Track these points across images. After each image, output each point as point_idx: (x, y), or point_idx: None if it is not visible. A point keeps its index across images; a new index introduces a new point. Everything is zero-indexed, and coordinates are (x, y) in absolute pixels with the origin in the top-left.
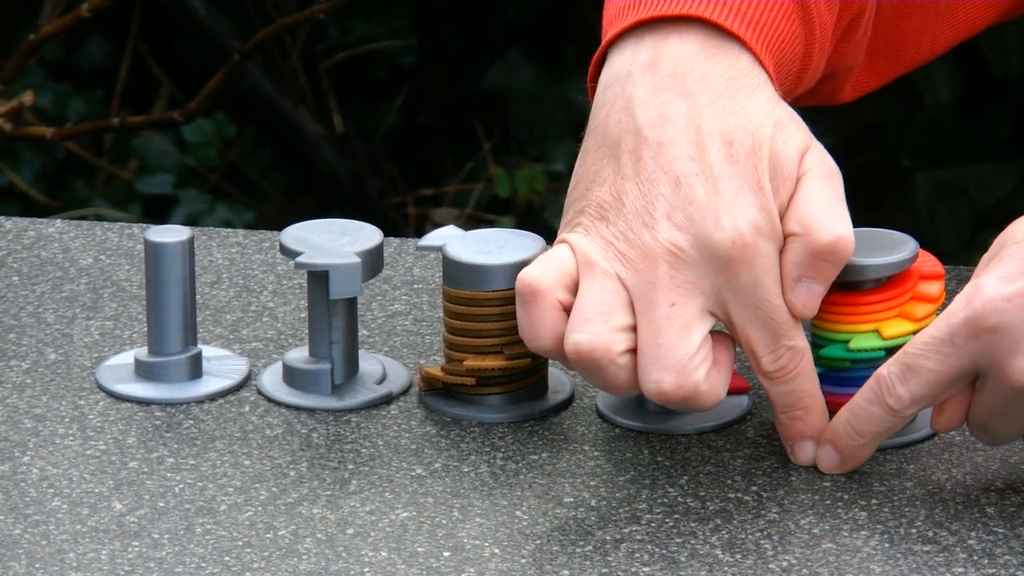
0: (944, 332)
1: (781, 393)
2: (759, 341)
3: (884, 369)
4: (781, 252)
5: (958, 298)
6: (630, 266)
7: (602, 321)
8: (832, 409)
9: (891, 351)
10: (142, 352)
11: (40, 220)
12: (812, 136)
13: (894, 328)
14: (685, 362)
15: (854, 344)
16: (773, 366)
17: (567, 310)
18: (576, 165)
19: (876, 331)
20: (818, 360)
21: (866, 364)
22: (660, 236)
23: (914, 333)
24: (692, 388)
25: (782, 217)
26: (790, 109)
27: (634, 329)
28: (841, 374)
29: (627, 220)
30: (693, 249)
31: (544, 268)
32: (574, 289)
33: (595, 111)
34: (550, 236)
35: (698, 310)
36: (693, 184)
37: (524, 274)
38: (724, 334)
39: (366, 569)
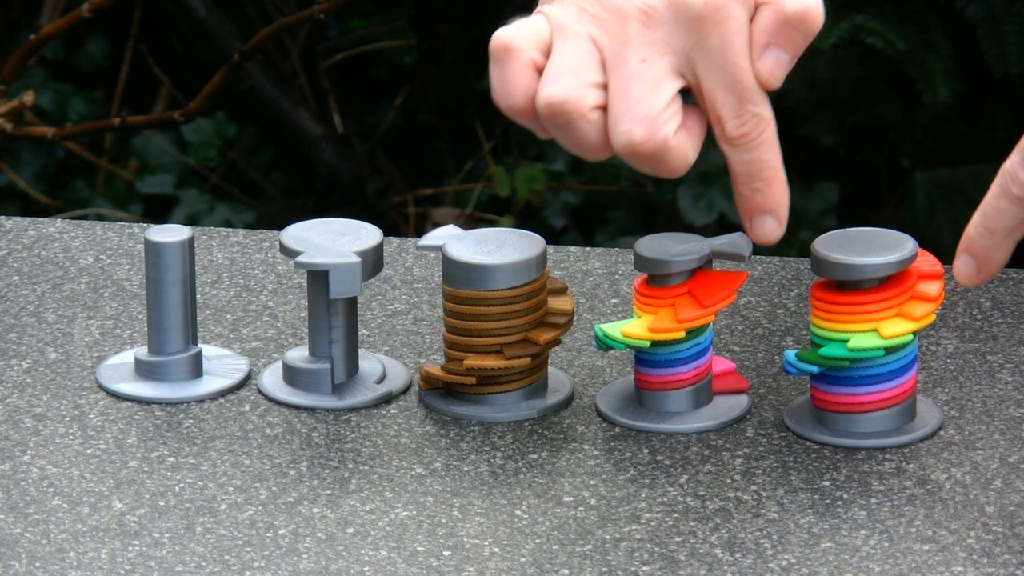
0: None
1: (743, 162)
2: (725, 105)
3: (1007, 162)
4: (752, 20)
5: None
6: (603, 27)
7: (573, 76)
8: (831, 409)
9: (890, 351)
10: (142, 351)
11: (41, 220)
12: None
13: (893, 327)
14: (655, 115)
15: (853, 343)
16: (737, 131)
17: (540, 72)
18: None
19: (875, 330)
20: (818, 359)
21: (866, 363)
22: None
23: (913, 333)
24: (661, 142)
25: None
26: None
27: (605, 88)
28: (841, 373)
29: None
30: (665, 8)
31: (518, 29)
32: (548, 53)
33: None
34: (549, 235)
35: (668, 68)
36: None
37: (498, 34)
38: (695, 106)
39: (366, 568)
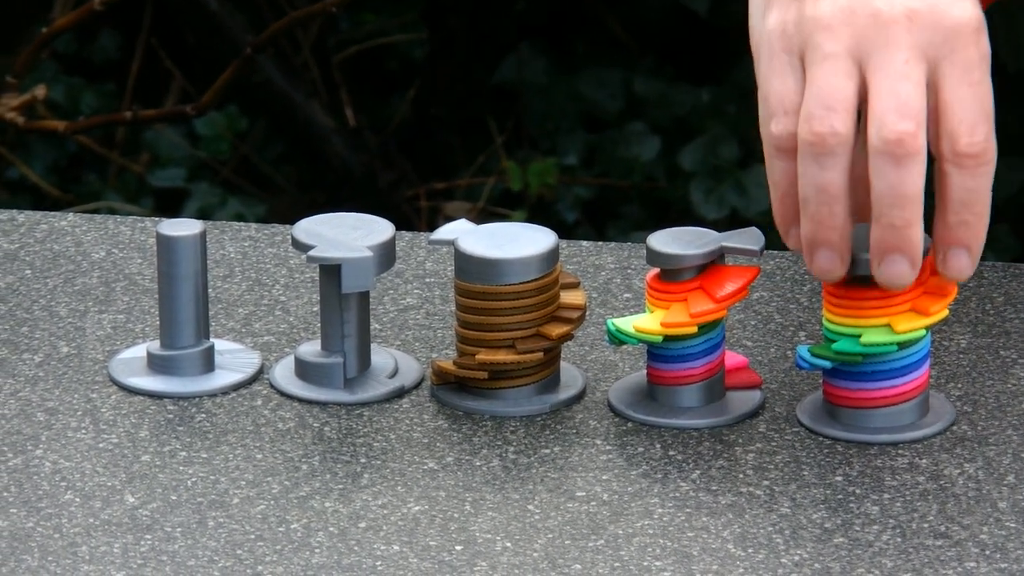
0: None
1: (963, 188)
2: (963, 120)
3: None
4: None
5: None
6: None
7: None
8: (844, 404)
9: (903, 346)
10: (154, 345)
11: (52, 213)
12: None
13: (906, 322)
14: (921, 115)
15: (866, 338)
16: (970, 148)
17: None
18: None
19: (888, 325)
20: (831, 354)
21: (878, 358)
22: (896, 3)
23: (926, 327)
24: (921, 145)
25: None
26: None
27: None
28: (853, 368)
29: None
30: (928, 14)
31: None
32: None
33: None
34: (562, 229)
35: (922, 75)
36: None
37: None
38: None
39: (378, 563)
